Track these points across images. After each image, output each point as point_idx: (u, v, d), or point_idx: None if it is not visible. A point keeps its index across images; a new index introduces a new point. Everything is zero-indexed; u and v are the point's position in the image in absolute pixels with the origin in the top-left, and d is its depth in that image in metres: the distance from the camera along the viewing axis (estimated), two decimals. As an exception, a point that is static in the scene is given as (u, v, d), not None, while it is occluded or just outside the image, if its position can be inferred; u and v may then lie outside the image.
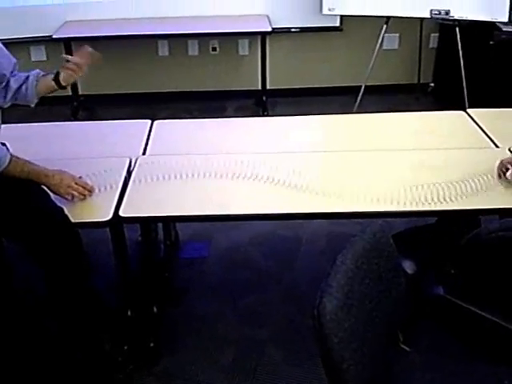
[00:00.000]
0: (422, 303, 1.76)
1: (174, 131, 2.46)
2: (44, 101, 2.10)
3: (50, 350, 2.13)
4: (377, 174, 2.02)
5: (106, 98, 4.29)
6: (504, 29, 3.70)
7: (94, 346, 2.08)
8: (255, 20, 4.20)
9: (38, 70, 2.04)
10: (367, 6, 3.90)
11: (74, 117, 4.06)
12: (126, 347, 2.11)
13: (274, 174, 2.02)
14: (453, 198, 1.89)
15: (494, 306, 1.66)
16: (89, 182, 1.95)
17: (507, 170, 1.94)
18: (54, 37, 3.99)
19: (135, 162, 2.14)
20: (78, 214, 1.85)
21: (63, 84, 1.99)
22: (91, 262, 2.02)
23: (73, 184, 1.89)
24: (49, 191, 1.87)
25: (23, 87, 1.99)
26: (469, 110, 2.54)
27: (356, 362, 1.20)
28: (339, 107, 4.17)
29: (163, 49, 4.46)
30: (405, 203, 1.87)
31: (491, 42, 3.75)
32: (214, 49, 4.48)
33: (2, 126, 1.95)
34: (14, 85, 1.98)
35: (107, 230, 1.92)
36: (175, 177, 2.03)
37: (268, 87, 4.32)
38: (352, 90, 4.21)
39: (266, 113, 4.25)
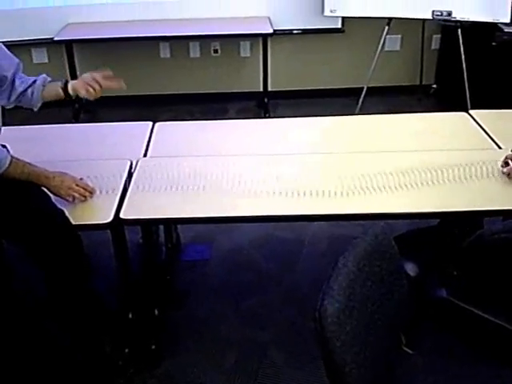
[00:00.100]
0: (425, 305, 1.75)
1: (175, 133, 2.45)
2: (46, 103, 2.09)
3: (50, 352, 2.12)
4: (379, 176, 2.01)
5: (107, 101, 4.24)
6: (506, 30, 3.69)
7: (94, 348, 2.07)
8: (257, 22, 4.20)
9: (44, 75, 2.04)
10: (369, 7, 3.89)
11: (76, 119, 4.06)
12: (126, 350, 2.11)
13: (276, 175, 2.02)
14: (455, 200, 1.88)
15: (498, 308, 1.65)
16: (90, 183, 1.95)
17: (507, 165, 1.94)
18: (55, 39, 3.99)
19: (136, 164, 2.13)
20: (79, 215, 1.84)
21: (71, 94, 1.98)
22: (92, 264, 2.01)
23: (73, 186, 1.88)
24: (49, 193, 1.87)
25: (29, 91, 1.99)
26: (471, 111, 2.53)
27: (358, 365, 1.19)
28: (341, 109, 4.17)
29: (165, 51, 4.46)
30: (407, 205, 1.87)
31: (493, 43, 3.75)
32: (216, 51, 4.48)
33: (4, 127, 1.95)
34: (19, 87, 1.97)
35: (108, 232, 1.92)
36: (176, 179, 2.03)
37: (270, 89, 4.32)
38: (354, 92, 4.20)
39: (267, 115, 4.24)
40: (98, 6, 4.19)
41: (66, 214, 1.81)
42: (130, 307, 2.17)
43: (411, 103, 4.34)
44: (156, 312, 2.26)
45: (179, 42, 4.38)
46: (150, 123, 2.49)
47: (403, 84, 4.55)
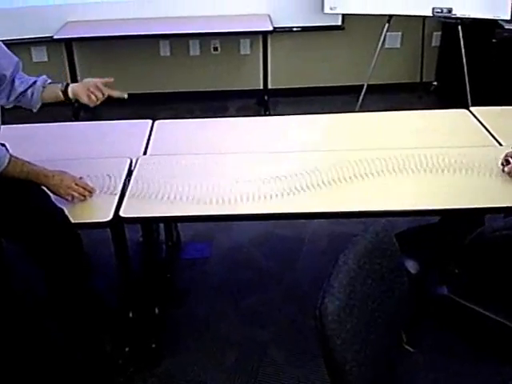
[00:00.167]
0: (426, 303, 1.75)
1: (174, 131, 2.45)
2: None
3: (49, 351, 2.12)
4: (379, 174, 2.01)
5: (107, 99, 4.28)
6: (506, 26, 3.68)
7: (94, 347, 2.07)
8: (256, 19, 4.19)
9: (45, 77, 2.04)
10: (369, 4, 3.88)
11: (76, 118, 4.05)
12: (127, 348, 2.11)
13: (276, 173, 2.01)
14: (456, 197, 1.88)
15: (499, 306, 1.64)
16: (89, 182, 1.94)
17: (508, 163, 1.93)
18: (55, 37, 3.98)
19: (136, 162, 2.13)
20: (79, 214, 1.84)
21: (71, 97, 1.99)
22: (92, 263, 2.01)
23: (73, 185, 1.87)
24: (49, 192, 1.86)
25: (29, 91, 1.99)
26: (472, 108, 2.53)
27: (359, 363, 1.18)
28: (341, 106, 4.16)
29: (165, 49, 4.46)
30: (408, 202, 1.86)
31: (494, 40, 3.74)
32: (216, 48, 4.47)
33: (3, 126, 1.94)
34: (19, 87, 1.97)
35: (108, 230, 1.91)
36: (176, 177, 2.02)
37: (270, 87, 4.31)
38: (354, 89, 4.19)
39: (267, 112, 4.24)
40: (98, 4, 4.18)
41: (66, 212, 1.80)
42: (130, 306, 2.17)
43: (412, 100, 4.33)
44: (156, 310, 2.26)
45: (179, 40, 4.37)
46: (150, 121, 2.48)
47: (403, 81, 4.53)
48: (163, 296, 2.40)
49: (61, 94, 1.99)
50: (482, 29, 3.80)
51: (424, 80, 4.46)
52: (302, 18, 4.29)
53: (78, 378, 2.04)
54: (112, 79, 2.02)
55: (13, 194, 1.79)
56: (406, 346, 1.54)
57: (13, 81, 1.96)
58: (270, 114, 4.17)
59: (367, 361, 1.22)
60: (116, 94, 2.02)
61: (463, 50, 3.74)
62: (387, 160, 2.07)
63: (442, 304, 1.76)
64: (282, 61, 4.46)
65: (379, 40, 3.95)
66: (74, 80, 4.23)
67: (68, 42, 4.13)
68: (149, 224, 2.17)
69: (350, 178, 1.99)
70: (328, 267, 1.23)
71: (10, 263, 2.23)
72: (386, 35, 3.96)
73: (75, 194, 1.87)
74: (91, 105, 1.98)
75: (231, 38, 4.37)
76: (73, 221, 1.80)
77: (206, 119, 2.61)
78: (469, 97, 3.80)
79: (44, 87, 2.00)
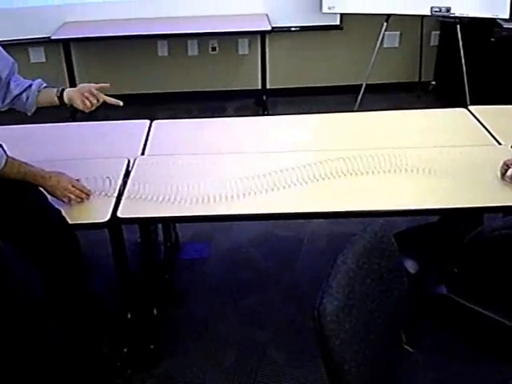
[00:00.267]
0: (425, 303, 1.74)
1: (172, 131, 2.44)
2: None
3: (47, 352, 2.11)
4: (379, 173, 2.00)
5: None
6: (505, 25, 3.68)
7: (92, 348, 2.06)
8: (255, 19, 4.19)
9: (40, 80, 2.03)
10: (367, 3, 3.88)
11: (73, 118, 4.04)
12: (125, 350, 2.10)
13: (275, 173, 2.00)
14: (455, 196, 1.87)
15: (498, 305, 1.64)
16: (86, 183, 1.93)
17: (508, 169, 1.92)
18: (52, 38, 3.98)
19: (134, 163, 2.12)
20: (76, 215, 1.83)
21: (67, 102, 1.99)
22: (90, 264, 2.00)
23: (70, 187, 1.86)
24: (46, 193, 1.85)
25: (24, 95, 1.98)
26: (470, 108, 2.52)
27: (358, 363, 1.18)
28: (340, 106, 4.15)
29: (163, 49, 4.45)
30: (406, 201, 1.86)
31: (492, 39, 3.74)
32: (214, 48, 4.47)
33: (0, 127, 1.93)
34: (14, 90, 1.96)
35: (106, 231, 1.90)
36: (174, 177, 2.01)
37: (268, 86, 4.30)
38: (353, 89, 4.19)
39: (266, 112, 4.23)
40: (96, 5, 4.18)
41: (63, 213, 1.80)
42: (128, 307, 2.16)
43: (410, 100, 4.33)
44: (155, 311, 2.25)
45: (177, 40, 4.37)
46: (148, 121, 2.48)
47: (402, 81, 4.53)
48: (162, 297, 2.39)
49: (56, 99, 1.99)
50: (480, 28, 3.79)
51: (422, 79, 4.46)
52: (300, 17, 4.28)
53: (76, 379, 2.03)
54: (108, 84, 2.01)
55: (10, 195, 1.78)
56: (406, 346, 1.54)
57: (8, 83, 1.95)
58: (268, 114, 4.16)
59: (366, 361, 1.21)
60: (111, 101, 2.01)
61: (462, 50, 3.74)
62: (386, 159, 2.06)
63: (441, 304, 1.75)
64: (281, 61, 4.46)
65: (377, 39, 3.95)
66: (72, 80, 4.23)
67: (66, 43, 4.13)
68: (147, 224, 2.16)
69: (350, 177, 1.98)
70: (327, 267, 1.22)
71: (8, 264, 2.22)
72: (384, 35, 3.96)
73: (72, 196, 1.86)
74: (86, 110, 1.98)
75: (229, 38, 4.37)
76: (70, 222, 1.79)
77: (204, 119, 2.60)
78: (467, 96, 3.80)
79: (39, 91, 1.99)
